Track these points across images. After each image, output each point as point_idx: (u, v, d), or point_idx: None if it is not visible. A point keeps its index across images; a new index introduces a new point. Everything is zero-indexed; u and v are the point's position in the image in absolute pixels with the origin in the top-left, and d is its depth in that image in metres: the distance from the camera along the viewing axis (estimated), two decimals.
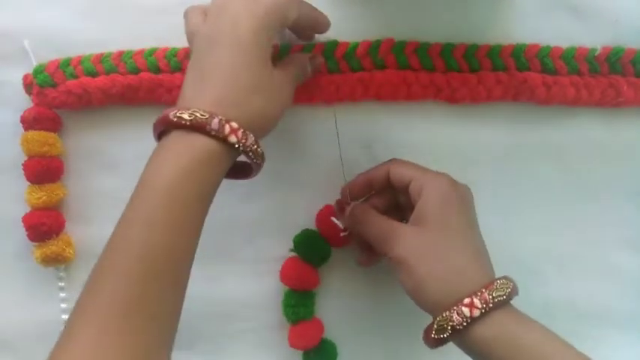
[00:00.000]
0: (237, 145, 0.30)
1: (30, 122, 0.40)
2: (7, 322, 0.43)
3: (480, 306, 0.32)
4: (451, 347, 0.34)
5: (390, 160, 0.39)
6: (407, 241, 0.35)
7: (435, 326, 0.33)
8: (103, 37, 0.42)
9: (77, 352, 0.26)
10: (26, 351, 0.43)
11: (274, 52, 0.38)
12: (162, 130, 0.31)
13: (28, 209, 0.41)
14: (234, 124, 0.30)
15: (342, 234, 0.41)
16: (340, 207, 0.41)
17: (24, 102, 0.41)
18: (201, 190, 0.30)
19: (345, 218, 0.39)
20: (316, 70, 0.39)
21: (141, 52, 0.41)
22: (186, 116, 0.30)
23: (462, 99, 0.41)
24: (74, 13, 0.42)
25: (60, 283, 0.43)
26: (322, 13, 0.37)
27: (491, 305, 0.32)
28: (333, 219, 0.41)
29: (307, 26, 0.37)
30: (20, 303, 0.43)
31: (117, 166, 0.42)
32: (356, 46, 0.40)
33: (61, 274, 0.43)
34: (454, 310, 0.32)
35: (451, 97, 0.41)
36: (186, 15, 0.36)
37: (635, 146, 0.43)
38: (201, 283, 0.42)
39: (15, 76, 0.41)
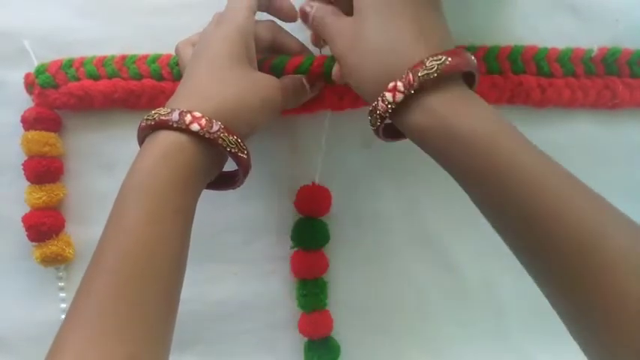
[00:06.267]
0: (200, 133, 0.30)
1: (30, 122, 0.40)
2: (7, 322, 0.43)
3: (402, 89, 0.28)
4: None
5: None
6: (344, 35, 0.33)
7: (370, 117, 0.31)
8: (103, 37, 0.42)
9: None
10: (26, 351, 0.43)
11: (267, 64, 0.38)
12: (143, 138, 0.32)
13: (28, 209, 0.41)
14: (197, 114, 0.30)
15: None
16: (303, 12, 0.37)
17: (24, 102, 0.41)
18: (171, 181, 0.30)
19: (309, 24, 0.37)
20: (317, 90, 0.39)
21: (144, 58, 0.41)
22: (150, 117, 0.31)
23: None
24: (74, 12, 0.42)
25: (60, 283, 0.43)
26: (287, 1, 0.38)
27: (416, 87, 0.28)
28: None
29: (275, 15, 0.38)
30: (20, 303, 0.43)
31: (117, 167, 0.42)
32: None
33: (61, 274, 0.43)
34: (379, 97, 0.30)
35: None
36: (177, 51, 0.37)
37: (633, 147, 0.43)
38: (201, 283, 0.42)
39: (15, 76, 0.41)
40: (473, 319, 0.44)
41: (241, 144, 0.32)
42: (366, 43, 0.31)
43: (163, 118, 0.30)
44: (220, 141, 0.31)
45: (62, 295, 0.43)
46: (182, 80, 0.34)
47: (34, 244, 0.42)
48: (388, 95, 0.29)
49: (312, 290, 0.42)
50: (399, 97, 0.29)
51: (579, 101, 0.42)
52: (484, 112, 0.28)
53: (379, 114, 0.30)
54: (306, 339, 0.43)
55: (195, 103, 0.31)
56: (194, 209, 0.31)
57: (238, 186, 0.35)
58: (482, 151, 0.27)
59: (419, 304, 0.44)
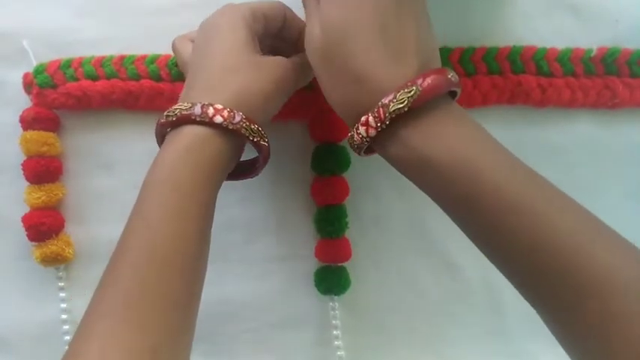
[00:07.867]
0: (224, 124, 0.30)
1: (29, 122, 0.40)
2: (7, 322, 0.43)
3: (374, 125, 0.28)
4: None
5: None
6: (313, 38, 0.30)
7: (349, 144, 0.31)
8: (103, 37, 0.42)
9: (90, 353, 0.26)
10: (26, 351, 0.43)
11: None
12: (162, 136, 0.32)
13: (27, 209, 0.41)
14: (219, 106, 0.30)
15: None
16: None
17: (23, 102, 0.41)
18: (195, 175, 0.30)
19: None
20: None
21: (142, 59, 0.41)
22: (171, 113, 0.31)
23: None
24: (73, 12, 0.42)
25: (59, 283, 0.43)
26: None
27: (387, 123, 0.27)
28: None
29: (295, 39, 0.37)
30: (20, 303, 0.43)
31: (116, 167, 0.42)
32: None
33: (61, 274, 0.43)
34: (354, 129, 0.29)
35: None
36: (175, 48, 0.37)
37: (633, 147, 0.43)
38: None
39: (15, 76, 0.41)
40: (473, 319, 0.44)
41: (262, 132, 0.32)
42: (330, 62, 0.29)
43: (185, 112, 0.30)
44: (243, 131, 0.31)
45: (62, 295, 0.43)
46: (191, 73, 0.34)
47: (33, 244, 0.42)
48: (362, 129, 0.29)
49: (332, 215, 0.41)
50: (372, 132, 0.28)
51: (579, 101, 0.42)
52: (459, 138, 0.28)
53: (357, 145, 0.30)
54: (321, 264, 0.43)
55: (213, 95, 0.31)
56: (215, 202, 0.32)
57: (257, 174, 0.36)
58: (456, 180, 0.27)
59: (419, 304, 0.44)
